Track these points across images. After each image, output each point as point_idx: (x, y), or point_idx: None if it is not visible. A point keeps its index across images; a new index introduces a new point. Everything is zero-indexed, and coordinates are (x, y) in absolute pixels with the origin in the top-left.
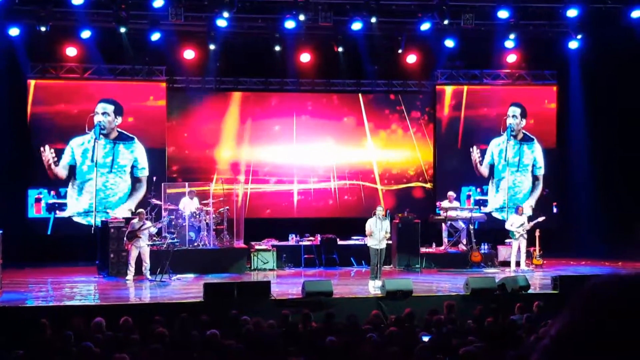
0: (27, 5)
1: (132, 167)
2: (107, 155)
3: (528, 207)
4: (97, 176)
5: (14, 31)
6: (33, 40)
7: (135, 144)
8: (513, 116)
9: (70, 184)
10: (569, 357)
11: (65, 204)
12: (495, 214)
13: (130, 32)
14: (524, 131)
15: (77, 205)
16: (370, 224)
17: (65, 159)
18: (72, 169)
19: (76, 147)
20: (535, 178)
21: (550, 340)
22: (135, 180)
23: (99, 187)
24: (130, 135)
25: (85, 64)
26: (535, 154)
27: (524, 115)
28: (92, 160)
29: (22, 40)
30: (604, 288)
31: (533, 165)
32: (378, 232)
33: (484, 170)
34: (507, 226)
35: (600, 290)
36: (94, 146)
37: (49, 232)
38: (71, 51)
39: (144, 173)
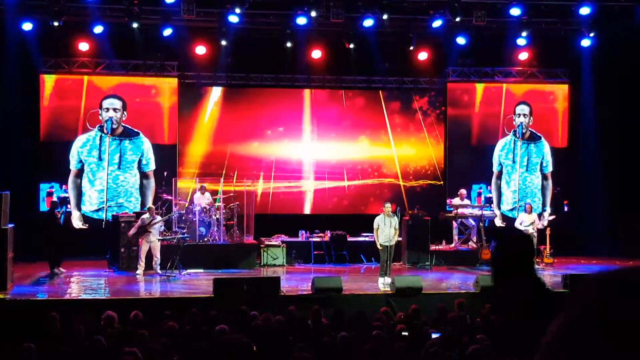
0: (41, 0)
1: (139, 161)
2: (114, 152)
3: (538, 204)
4: (107, 173)
5: (27, 26)
6: (46, 35)
7: (141, 139)
8: (524, 115)
9: (77, 182)
10: (570, 354)
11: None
12: (505, 212)
13: (142, 27)
14: (531, 129)
15: (86, 204)
16: (378, 221)
17: (73, 164)
18: (80, 172)
19: (80, 147)
20: (544, 177)
21: (552, 337)
22: (143, 176)
23: (109, 185)
24: (135, 130)
25: (97, 59)
26: (543, 152)
27: (531, 113)
28: (99, 158)
29: (35, 35)
30: (602, 284)
31: (541, 164)
32: (387, 229)
33: (494, 186)
34: (517, 225)
35: (598, 286)
36: (100, 143)
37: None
38: (83, 46)
39: (151, 167)
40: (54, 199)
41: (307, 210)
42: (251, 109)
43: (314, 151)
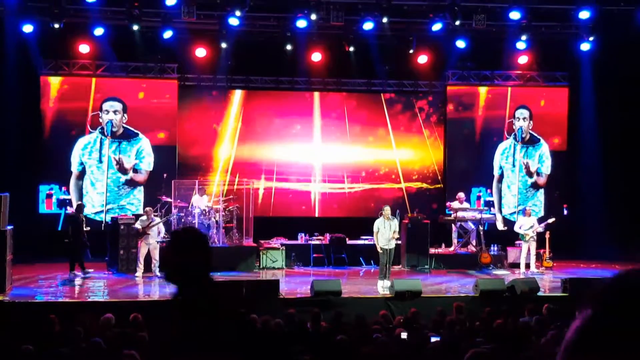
0: (41, 2)
1: (137, 161)
2: (114, 154)
3: (540, 207)
4: (107, 175)
5: (27, 28)
6: (46, 37)
7: (141, 139)
8: (523, 119)
9: (79, 184)
10: (594, 351)
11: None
12: (506, 216)
13: (142, 29)
14: (531, 132)
15: (88, 206)
16: (378, 224)
17: (75, 166)
18: (81, 174)
19: (81, 149)
20: (538, 174)
21: (575, 333)
22: (141, 175)
23: (110, 186)
24: (135, 130)
25: (98, 61)
26: (541, 151)
27: (531, 117)
28: (100, 160)
29: (35, 36)
30: (630, 280)
31: (539, 165)
32: (386, 232)
33: (495, 190)
34: (516, 229)
35: (625, 282)
36: (100, 146)
37: (59, 228)
38: (84, 48)
39: (143, 166)
40: (82, 201)
41: (308, 213)
42: (253, 112)
43: (315, 154)
